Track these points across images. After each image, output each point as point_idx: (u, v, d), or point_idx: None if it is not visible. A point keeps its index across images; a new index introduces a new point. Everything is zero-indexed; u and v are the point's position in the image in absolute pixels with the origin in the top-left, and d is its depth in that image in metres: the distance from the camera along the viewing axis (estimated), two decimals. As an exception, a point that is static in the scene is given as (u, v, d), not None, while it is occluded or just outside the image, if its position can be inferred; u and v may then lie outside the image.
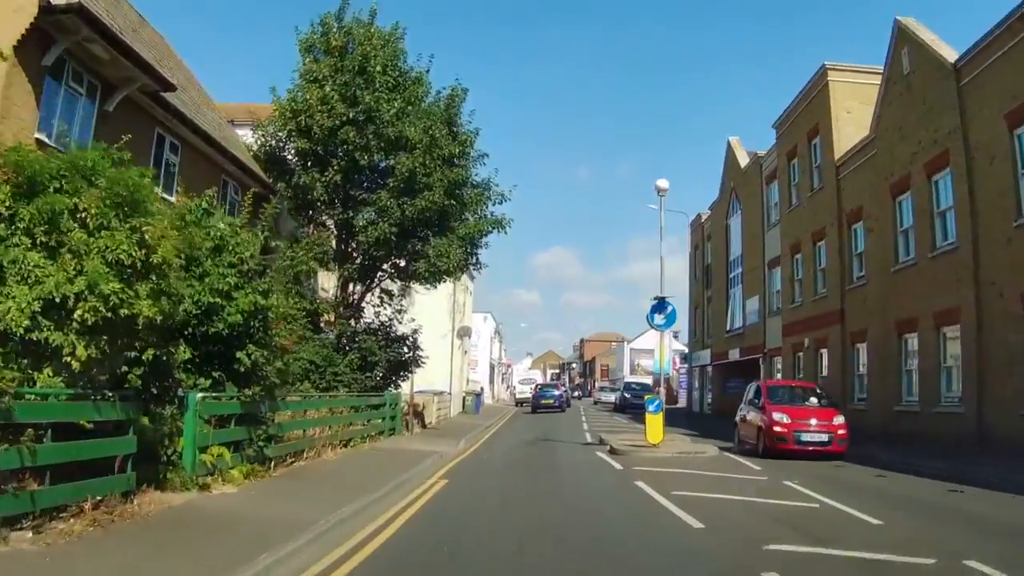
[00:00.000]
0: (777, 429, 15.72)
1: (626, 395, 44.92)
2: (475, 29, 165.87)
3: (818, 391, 18.28)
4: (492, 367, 64.08)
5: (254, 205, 12.37)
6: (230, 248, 10.29)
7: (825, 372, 25.40)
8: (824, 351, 25.45)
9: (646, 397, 18.07)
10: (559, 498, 10.25)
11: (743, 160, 35.66)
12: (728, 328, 37.34)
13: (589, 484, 12.03)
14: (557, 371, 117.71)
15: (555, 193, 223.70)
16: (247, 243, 10.47)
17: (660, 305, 16.85)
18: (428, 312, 35.38)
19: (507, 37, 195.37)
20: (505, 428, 28.09)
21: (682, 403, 53.62)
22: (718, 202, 39.85)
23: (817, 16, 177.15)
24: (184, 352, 9.63)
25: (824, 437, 15.64)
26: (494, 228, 20.52)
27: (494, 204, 20.90)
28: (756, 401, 17.34)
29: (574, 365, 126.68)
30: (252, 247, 10.49)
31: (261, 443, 10.48)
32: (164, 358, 9.26)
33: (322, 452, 13.53)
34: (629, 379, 61.04)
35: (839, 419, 16.08)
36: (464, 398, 35.49)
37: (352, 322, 20.89)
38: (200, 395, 9.22)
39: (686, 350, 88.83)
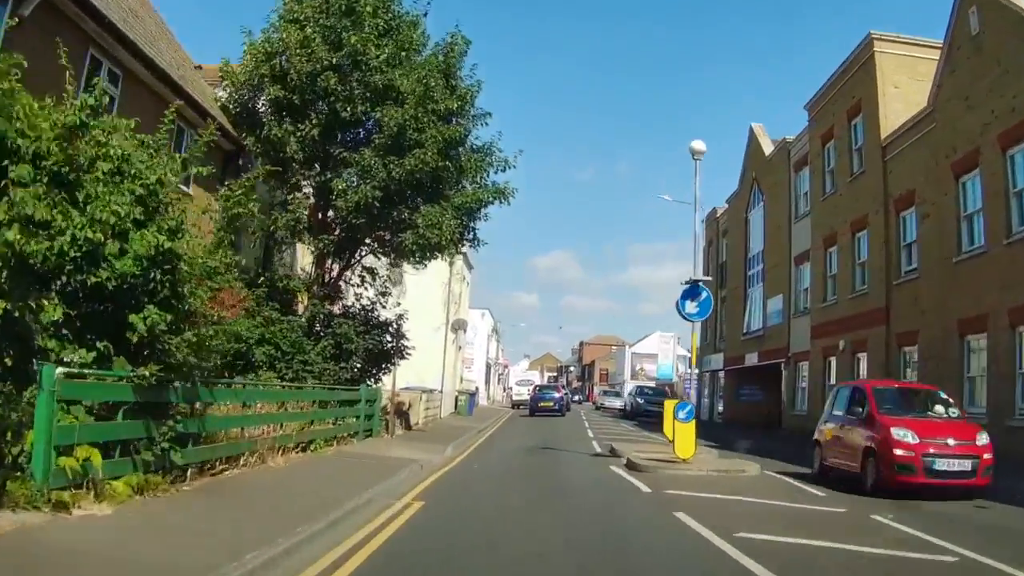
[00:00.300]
0: (899, 453, 10.83)
1: (639, 400, 39.56)
2: (474, 17, 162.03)
3: (943, 396, 12.87)
4: (488, 367, 61.15)
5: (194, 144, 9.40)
6: (132, 173, 7.42)
7: (862, 378, 22.52)
8: (863, 355, 22.58)
9: (673, 402, 15.09)
10: (576, 539, 7.30)
11: (767, 147, 32.83)
12: (744, 330, 34.46)
13: (614, 514, 8.99)
14: (554, 374, 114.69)
15: (556, 193, 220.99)
16: (157, 166, 7.60)
17: (693, 290, 13.91)
18: (420, 302, 32.55)
19: (506, 30, 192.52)
20: (500, 432, 25.19)
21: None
22: (737, 194, 37.01)
23: (818, 15, 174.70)
24: (54, 310, 6.76)
25: (967, 465, 10.85)
26: (495, 198, 17.60)
27: (496, 171, 18.03)
28: (858, 411, 12.35)
29: (572, 369, 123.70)
30: (163, 170, 7.59)
31: (166, 444, 7.56)
32: (20, 315, 6.48)
33: (269, 457, 10.65)
34: (641, 382, 57.46)
35: (983, 438, 11.34)
36: (457, 398, 32.56)
37: (327, 304, 18.00)
38: (60, 370, 6.33)
39: (687, 354, 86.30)
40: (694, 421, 13.26)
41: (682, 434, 13.06)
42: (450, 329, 33.02)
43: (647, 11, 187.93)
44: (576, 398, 77.65)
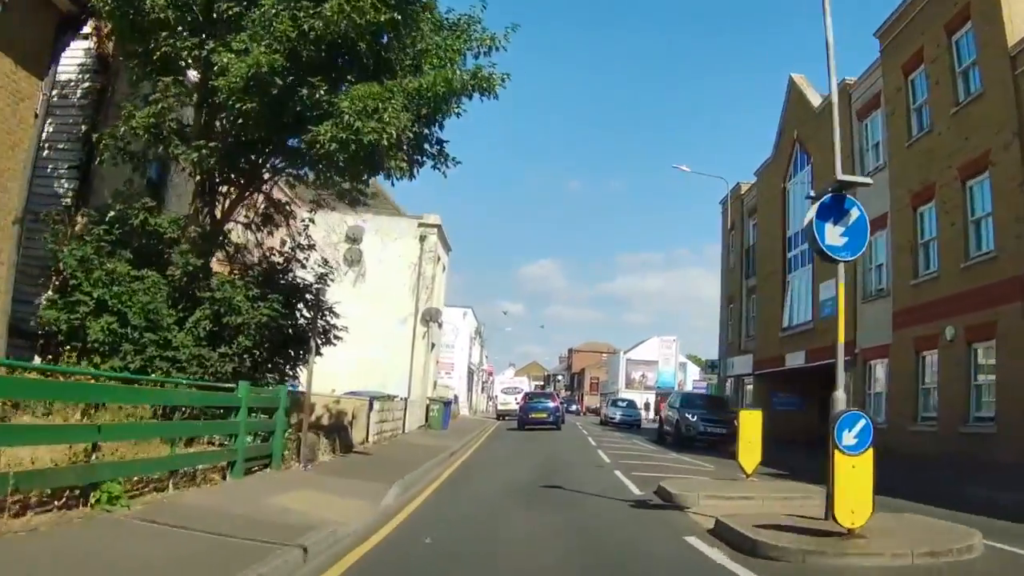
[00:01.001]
0: None
1: (688, 416, 24.24)
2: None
3: None
4: (471, 373, 54.49)
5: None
6: None
7: (984, 378, 16.28)
8: (986, 346, 16.25)
9: (755, 414, 8.71)
10: None
11: (814, 100, 26.74)
12: (785, 325, 28.19)
13: None
14: (541, 383, 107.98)
15: (549, 206, 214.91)
16: None
17: (836, 204, 7.43)
18: (383, 288, 26.13)
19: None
20: (481, 456, 18.58)
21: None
22: (770, 163, 30.89)
23: (815, 26, 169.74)
24: None
25: None
26: (475, 87, 11.10)
27: (477, 55, 11.63)
28: None
29: (560, 377, 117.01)
30: None
31: None
32: None
33: None
34: (640, 392, 50.33)
35: None
36: (428, 407, 25.94)
37: (210, 255, 11.51)
38: None
39: (687, 361, 79.88)
40: (870, 452, 6.61)
41: (851, 477, 6.39)
42: (420, 321, 26.47)
43: (645, 17, 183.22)
44: (573, 407, 70.52)
